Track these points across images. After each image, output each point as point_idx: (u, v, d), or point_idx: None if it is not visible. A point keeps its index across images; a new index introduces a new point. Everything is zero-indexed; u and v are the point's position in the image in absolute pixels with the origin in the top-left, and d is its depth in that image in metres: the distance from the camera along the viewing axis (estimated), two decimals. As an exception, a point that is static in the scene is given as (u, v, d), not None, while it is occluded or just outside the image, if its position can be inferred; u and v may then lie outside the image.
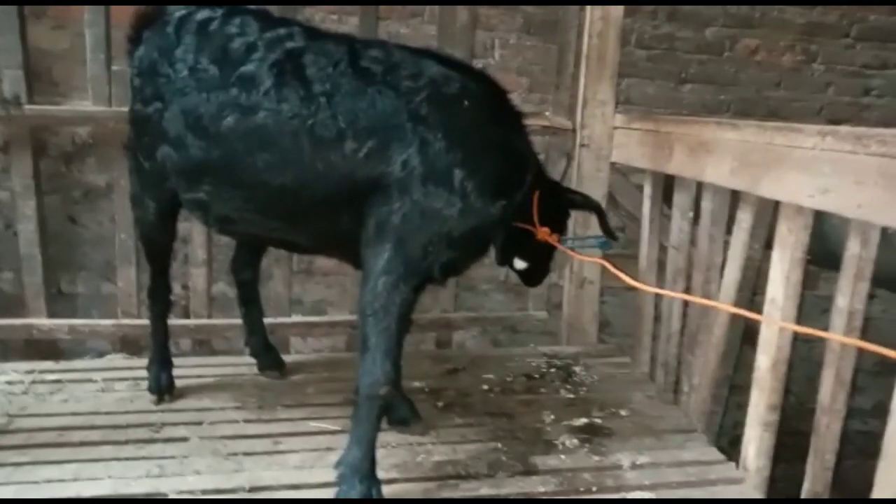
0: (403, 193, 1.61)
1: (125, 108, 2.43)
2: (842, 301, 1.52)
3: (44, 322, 2.59)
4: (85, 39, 2.92)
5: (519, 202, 1.76)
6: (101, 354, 2.70)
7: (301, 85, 1.65)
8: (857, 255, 1.47)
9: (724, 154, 1.84)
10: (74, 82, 3.18)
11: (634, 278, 1.71)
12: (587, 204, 2.02)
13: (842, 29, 3.71)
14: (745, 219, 1.89)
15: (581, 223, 2.72)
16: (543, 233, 1.83)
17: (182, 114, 1.76)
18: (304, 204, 1.71)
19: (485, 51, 3.40)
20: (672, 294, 2.07)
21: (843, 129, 1.44)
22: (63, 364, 2.45)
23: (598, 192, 2.69)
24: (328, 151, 1.64)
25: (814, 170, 1.48)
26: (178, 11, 1.88)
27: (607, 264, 1.90)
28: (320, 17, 3.33)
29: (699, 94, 3.64)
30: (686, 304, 2.25)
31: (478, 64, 3.00)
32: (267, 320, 2.47)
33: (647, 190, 2.47)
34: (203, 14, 1.82)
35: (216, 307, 2.75)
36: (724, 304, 1.82)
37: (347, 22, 3.33)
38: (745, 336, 2.21)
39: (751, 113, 3.66)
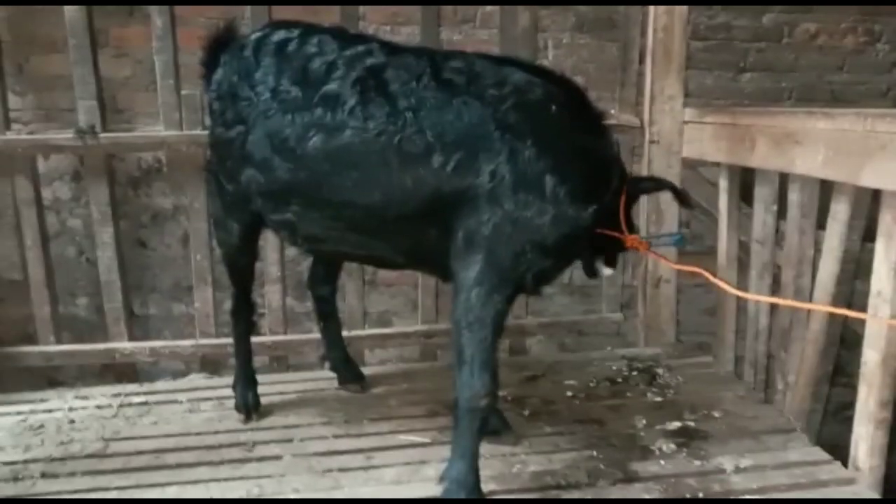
0: (494, 204, 1.60)
1: (196, 132, 2.51)
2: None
3: (125, 346, 2.64)
4: (145, 66, 3.00)
5: (608, 206, 1.72)
6: (175, 376, 2.74)
7: (386, 101, 1.64)
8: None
9: (815, 144, 1.78)
10: (138, 108, 3.25)
11: (732, 285, 1.64)
12: (660, 186, 1.91)
13: (906, 6, 3.59)
14: (840, 210, 1.82)
15: (654, 221, 2.68)
16: (633, 240, 1.77)
17: (267, 136, 1.76)
18: (392, 220, 1.71)
19: (538, 51, 3.36)
20: (780, 301, 1.99)
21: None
22: (147, 386, 2.49)
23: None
24: (416, 166, 1.63)
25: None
26: (255, 34, 1.92)
27: (707, 274, 1.83)
28: (373, 28, 3.34)
29: (759, 83, 3.55)
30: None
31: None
32: (342, 333, 2.48)
33: (723, 184, 2.42)
34: (280, 35, 1.84)
35: (288, 319, 2.77)
36: (826, 306, 1.75)
37: (400, 32, 3.33)
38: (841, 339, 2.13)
39: (813, 99, 3.56)
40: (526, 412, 2.19)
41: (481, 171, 1.60)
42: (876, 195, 1.68)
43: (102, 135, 2.46)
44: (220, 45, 1.99)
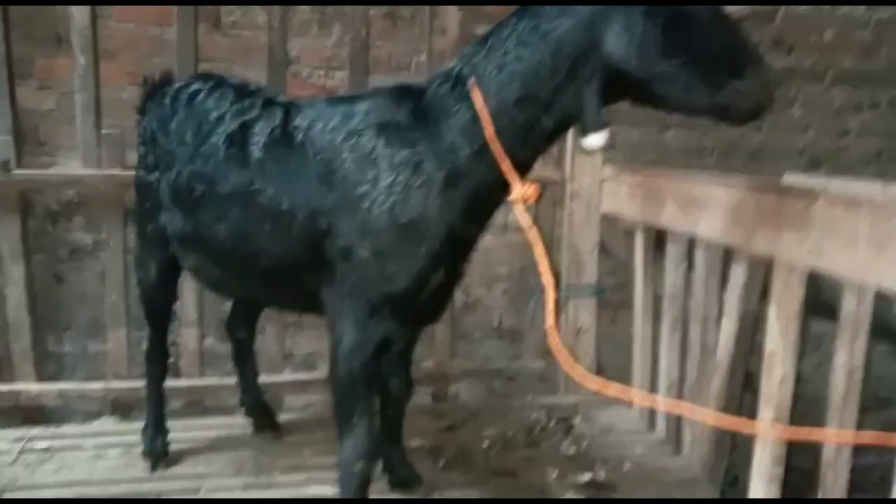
0: (349, 250, 1.54)
1: (114, 171, 2.47)
2: (841, 357, 1.53)
3: (32, 387, 2.54)
4: (70, 99, 2.95)
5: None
6: (88, 417, 2.65)
7: (244, 156, 1.66)
8: (852, 313, 1.49)
9: (716, 210, 1.87)
10: (60, 141, 3.17)
11: (625, 385, 1.52)
12: None
13: (818, 73, 3.80)
14: (739, 273, 1.91)
15: (574, 272, 2.75)
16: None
17: (170, 185, 1.81)
18: (270, 269, 1.71)
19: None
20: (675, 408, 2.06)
21: (834, 190, 1.47)
22: (52, 430, 2.40)
23: (589, 241, 2.72)
24: (269, 219, 1.62)
25: (806, 230, 1.50)
26: (178, 84, 1.96)
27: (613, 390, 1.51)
28: (307, 71, 3.36)
29: (682, 140, 3.70)
30: (683, 353, 2.26)
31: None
32: (260, 378, 2.44)
33: (639, 240, 2.50)
34: (195, 86, 1.88)
35: (205, 362, 2.72)
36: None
37: (334, 76, 3.37)
38: (746, 383, 2.21)
39: (734, 155, 3.72)
40: (441, 462, 2.19)
41: (329, 215, 1.56)
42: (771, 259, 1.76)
43: (16, 171, 2.40)
44: (151, 92, 2.04)
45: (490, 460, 2.21)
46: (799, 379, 1.76)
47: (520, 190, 1.45)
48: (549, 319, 1.47)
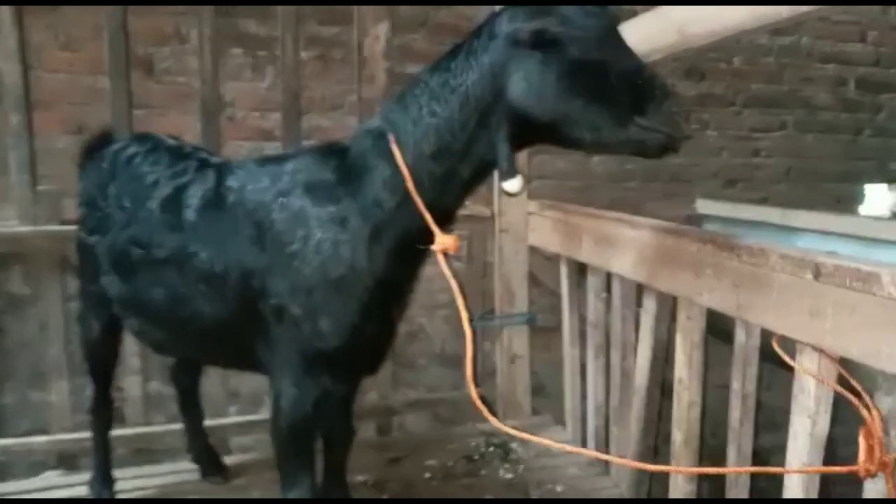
0: (285, 306, 1.59)
1: (52, 227, 2.50)
2: (736, 385, 1.70)
3: (-26, 445, 2.54)
4: (2, 151, 2.96)
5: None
6: (31, 468, 2.65)
7: (177, 219, 1.70)
8: (742, 345, 1.66)
9: (626, 248, 2.03)
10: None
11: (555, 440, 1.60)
12: None
13: (729, 98, 4.06)
14: (650, 305, 2.07)
15: (506, 301, 2.89)
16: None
17: (107, 250, 1.84)
18: (208, 330, 1.75)
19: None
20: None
21: (721, 236, 1.64)
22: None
23: (519, 272, 2.88)
24: (208, 281, 1.66)
25: (699, 271, 1.67)
26: (115, 146, 1.98)
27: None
28: (242, 114, 3.43)
29: (607, 165, 3.89)
30: (607, 378, 2.42)
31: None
32: (206, 422, 2.49)
33: (563, 270, 2.66)
34: (131, 150, 1.92)
35: (151, 405, 2.75)
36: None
37: (269, 118, 3.44)
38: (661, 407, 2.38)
39: (655, 179, 3.93)
40: (385, 496, 2.29)
41: (258, 278, 1.61)
42: (675, 294, 1.92)
43: (-50, 231, 2.41)
44: (92, 152, 2.06)
45: (432, 491, 2.32)
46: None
47: (441, 240, 1.49)
48: (468, 370, 1.54)
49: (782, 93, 4.15)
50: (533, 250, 2.84)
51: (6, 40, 2.41)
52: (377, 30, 2.66)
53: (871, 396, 1.28)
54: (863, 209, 4.36)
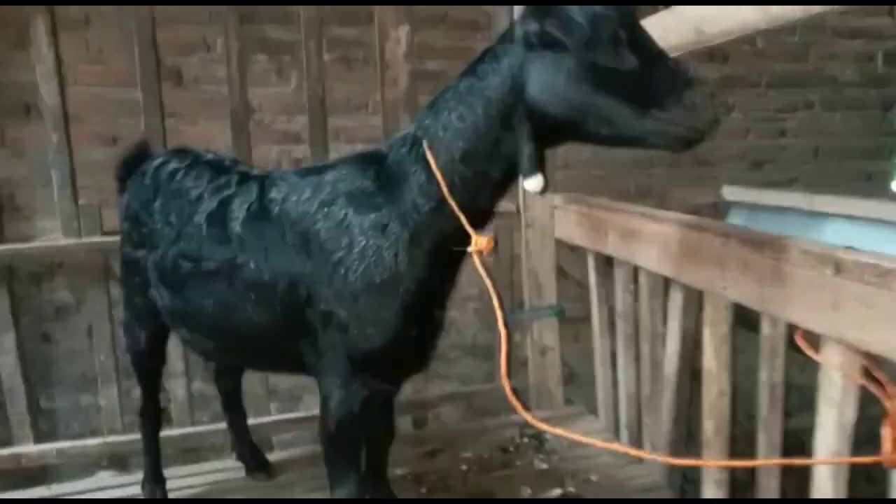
0: (332, 312, 1.63)
1: (94, 238, 2.60)
2: (764, 375, 1.73)
3: (31, 449, 2.66)
4: (43, 164, 3.08)
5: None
6: (84, 469, 2.79)
7: (224, 232, 1.76)
8: (769, 336, 1.69)
9: (650, 243, 2.06)
10: (37, 205, 3.31)
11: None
12: None
13: (753, 79, 4.04)
14: (677, 297, 2.10)
15: (536, 294, 2.94)
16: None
17: (155, 265, 1.90)
18: (257, 338, 1.81)
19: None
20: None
21: (744, 231, 1.66)
22: (55, 488, 2.53)
23: (546, 265, 2.91)
24: (257, 291, 1.72)
25: (724, 265, 1.70)
26: (156, 161, 2.04)
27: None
28: (269, 119, 3.51)
29: (629, 151, 3.84)
30: (637, 369, 2.45)
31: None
32: (249, 421, 2.59)
33: (591, 262, 2.69)
34: (172, 165, 1.98)
35: (195, 405, 2.86)
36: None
37: (296, 121, 3.52)
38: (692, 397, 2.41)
39: (680, 164, 3.93)
40: (423, 490, 2.36)
41: (305, 286, 1.65)
42: (702, 286, 1.95)
43: (1, 247, 2.52)
44: (129, 168, 2.13)
45: (468, 484, 2.39)
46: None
47: (476, 241, 1.53)
48: (503, 369, 1.60)
49: (807, 71, 4.11)
50: (559, 243, 2.88)
51: (44, 63, 2.50)
52: (398, 32, 2.70)
53: (896, 387, 1.31)
54: (895, 184, 4.31)
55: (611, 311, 2.67)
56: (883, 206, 2.33)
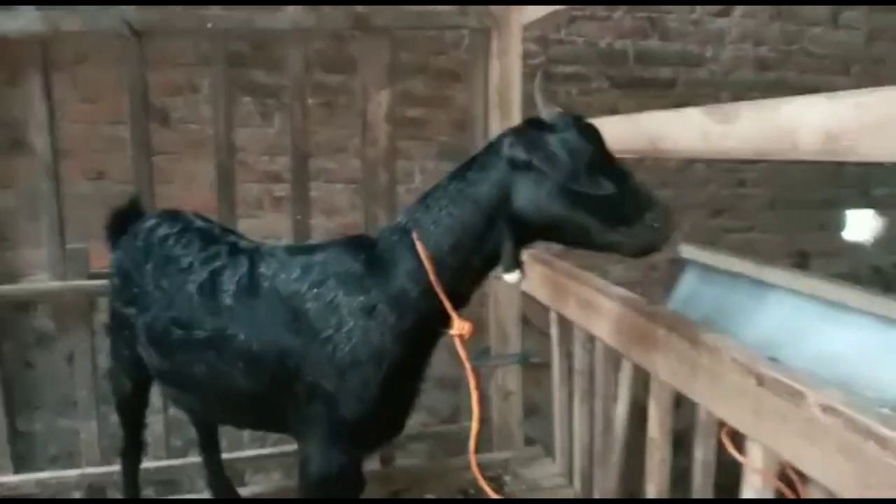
0: (317, 383, 1.76)
1: (80, 282, 2.72)
2: (698, 454, 1.92)
3: (11, 479, 2.78)
4: (29, 196, 3.18)
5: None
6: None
7: (215, 303, 1.86)
8: (704, 421, 1.87)
9: (605, 317, 2.24)
10: (22, 236, 3.40)
11: None
12: None
13: (716, 132, 4.25)
14: (626, 367, 2.28)
15: (501, 342, 3.11)
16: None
17: (146, 326, 2.00)
18: (243, 402, 1.93)
19: (406, 177, 3.77)
20: None
21: (686, 325, 1.84)
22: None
23: (512, 316, 3.09)
24: (246, 360, 1.82)
25: (666, 353, 1.87)
26: (147, 222, 2.13)
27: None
28: (252, 158, 3.63)
29: (599, 197, 4.09)
30: (591, 423, 2.63)
31: (401, 189, 3.37)
32: (223, 455, 2.72)
33: (553, 318, 2.86)
34: (163, 230, 2.07)
35: (171, 430, 2.99)
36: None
37: (277, 161, 3.64)
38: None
39: (645, 210, 4.12)
40: (387, 531, 2.52)
41: (293, 359, 1.77)
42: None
43: (-11, 288, 2.64)
44: (119, 225, 2.24)
45: (430, 526, 2.56)
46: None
47: (458, 326, 1.73)
48: (472, 452, 1.77)
49: (768, 126, 4.32)
50: (525, 295, 3.05)
51: (36, 115, 2.61)
52: (380, 96, 2.85)
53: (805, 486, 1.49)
54: (846, 234, 4.56)
55: (570, 362, 2.85)
56: (820, 284, 2.53)
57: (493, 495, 1.78)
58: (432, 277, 1.67)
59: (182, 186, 3.49)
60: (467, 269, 1.72)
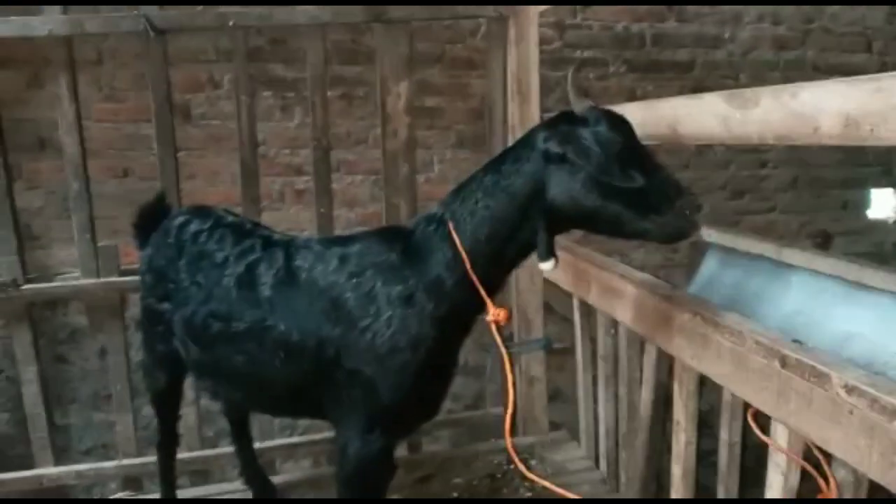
0: (357, 370, 1.81)
1: (112, 279, 2.78)
2: (724, 435, 1.94)
3: (52, 471, 2.86)
4: (58, 196, 3.25)
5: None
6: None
7: (253, 295, 1.91)
8: (729, 402, 1.89)
9: (627, 302, 2.26)
10: (53, 234, 3.48)
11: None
12: None
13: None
14: (651, 350, 2.30)
15: (524, 329, 3.14)
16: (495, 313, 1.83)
17: (183, 320, 2.04)
18: (282, 390, 1.98)
19: (425, 166, 3.80)
20: None
21: (710, 309, 1.86)
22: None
23: (534, 303, 3.11)
24: (286, 349, 1.87)
25: (690, 338, 1.89)
26: (177, 219, 2.18)
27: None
28: (274, 151, 3.68)
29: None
30: (616, 407, 2.66)
31: (420, 179, 3.41)
32: (255, 445, 2.78)
33: (576, 303, 2.89)
34: (195, 226, 2.12)
35: (204, 423, 3.05)
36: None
37: (299, 154, 3.69)
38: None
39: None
40: (415, 516, 2.58)
41: (333, 347, 1.82)
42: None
43: (24, 287, 2.70)
44: (150, 221, 2.28)
45: (458, 510, 2.61)
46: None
47: (493, 312, 1.81)
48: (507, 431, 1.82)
49: (788, 105, 4.29)
50: (547, 282, 3.07)
51: (66, 116, 2.66)
52: (399, 88, 2.87)
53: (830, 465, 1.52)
54: (870, 213, 4.52)
55: (594, 346, 2.87)
56: (841, 264, 2.53)
57: (527, 473, 1.84)
58: (468, 266, 1.74)
59: (205, 182, 3.55)
60: (501, 259, 1.79)
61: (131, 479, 2.95)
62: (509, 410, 1.88)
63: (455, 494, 2.71)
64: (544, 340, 3.16)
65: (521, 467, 1.84)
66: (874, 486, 1.48)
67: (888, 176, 4.52)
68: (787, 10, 4.26)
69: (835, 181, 4.46)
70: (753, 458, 2.12)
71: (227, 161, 3.48)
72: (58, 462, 2.92)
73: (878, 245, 4.46)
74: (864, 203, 4.48)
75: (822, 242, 4.41)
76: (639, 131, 1.74)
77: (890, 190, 4.47)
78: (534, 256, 1.79)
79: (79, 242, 2.76)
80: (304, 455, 3.19)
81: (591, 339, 2.89)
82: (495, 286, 1.82)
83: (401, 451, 3.23)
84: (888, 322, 2.33)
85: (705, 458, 2.21)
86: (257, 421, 2.99)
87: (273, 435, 3.10)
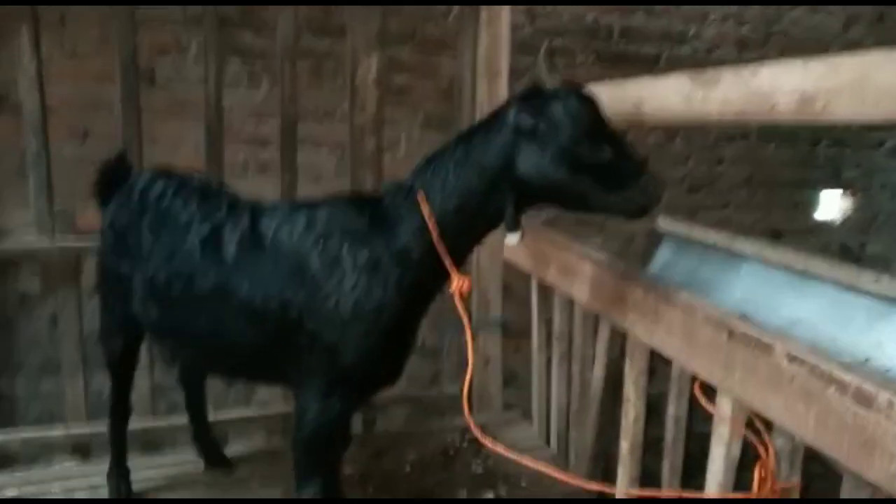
0: (319, 333, 1.83)
1: (67, 244, 2.72)
2: (671, 409, 2.01)
3: (-5, 436, 2.80)
4: (13, 157, 3.16)
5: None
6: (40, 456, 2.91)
7: (217, 257, 1.91)
8: (677, 377, 1.96)
9: (584, 280, 2.31)
10: (7, 195, 3.38)
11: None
12: None
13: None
14: (604, 329, 2.37)
15: (482, 307, 3.18)
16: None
17: (145, 281, 2.02)
18: (243, 353, 1.99)
19: (392, 144, 3.80)
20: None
21: (664, 287, 1.92)
22: (20, 476, 2.67)
23: (494, 283, 3.15)
24: (249, 311, 1.87)
25: (643, 314, 1.96)
26: (143, 178, 2.15)
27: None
28: (239, 121, 3.64)
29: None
30: (568, 385, 2.72)
31: (387, 156, 3.40)
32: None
33: (534, 285, 2.94)
34: (159, 187, 2.09)
35: (155, 395, 3.01)
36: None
37: (266, 124, 3.65)
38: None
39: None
40: (370, 489, 2.59)
41: (296, 310, 1.83)
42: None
43: (-26, 245, 2.64)
44: (112, 181, 2.24)
45: (412, 485, 2.63)
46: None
47: (457, 282, 1.84)
48: (465, 402, 1.94)
49: (747, 105, 4.42)
50: (507, 263, 3.12)
51: (27, 72, 2.59)
52: (369, 61, 2.87)
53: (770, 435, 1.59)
54: (817, 214, 4.68)
55: (549, 328, 2.93)
56: (789, 254, 2.64)
57: (483, 439, 1.89)
58: (435, 236, 1.76)
59: (168, 147, 3.48)
60: (469, 230, 1.82)
61: (80, 447, 2.90)
62: (468, 376, 1.91)
63: (408, 469, 2.74)
64: (501, 317, 3.20)
65: (477, 433, 1.87)
66: (809, 456, 1.56)
67: (837, 178, 4.69)
68: (751, 12, 4.38)
69: (787, 181, 4.61)
70: (698, 448, 2.20)
71: (191, 128, 3.41)
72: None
73: (825, 246, 4.63)
74: (813, 204, 4.64)
75: (773, 241, 4.56)
76: (606, 110, 1.78)
77: (838, 192, 4.63)
78: (499, 231, 1.83)
79: (35, 203, 2.69)
80: (256, 429, 3.16)
81: (547, 321, 2.95)
82: (461, 257, 1.85)
83: (355, 427, 3.24)
84: (831, 310, 2.43)
85: (654, 445, 2.28)
86: (211, 393, 2.97)
87: (226, 406, 3.09)
